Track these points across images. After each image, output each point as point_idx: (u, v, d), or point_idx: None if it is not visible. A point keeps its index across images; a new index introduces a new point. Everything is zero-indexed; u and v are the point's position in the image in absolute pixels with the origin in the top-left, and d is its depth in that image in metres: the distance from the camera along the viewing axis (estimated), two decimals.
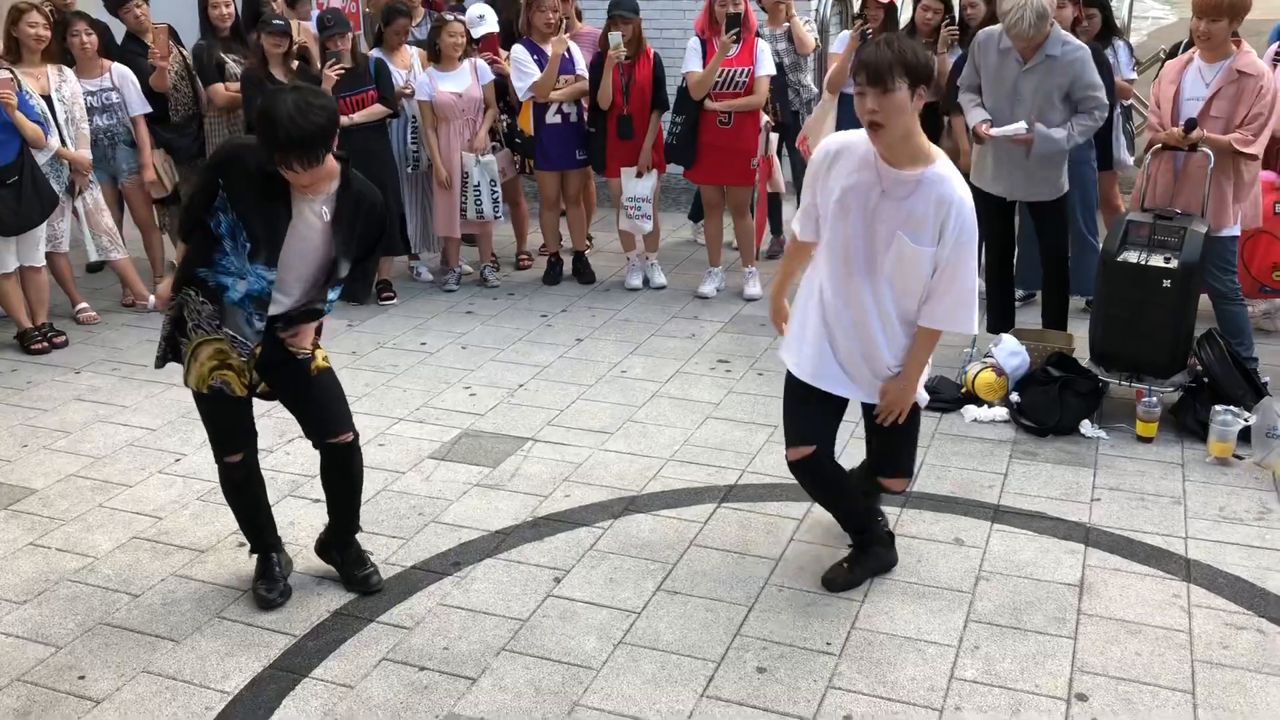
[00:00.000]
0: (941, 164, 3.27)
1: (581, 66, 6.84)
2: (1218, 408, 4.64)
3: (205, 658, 3.49)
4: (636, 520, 4.25)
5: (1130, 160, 6.60)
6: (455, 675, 3.38)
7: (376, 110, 6.57)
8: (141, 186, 6.76)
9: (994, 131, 5.14)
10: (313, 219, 3.38)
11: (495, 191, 6.88)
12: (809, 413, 3.59)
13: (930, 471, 4.56)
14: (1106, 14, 6.24)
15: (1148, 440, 4.80)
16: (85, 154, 6.31)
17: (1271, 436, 4.53)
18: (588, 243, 7.58)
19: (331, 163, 3.30)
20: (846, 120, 6.25)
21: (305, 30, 7.00)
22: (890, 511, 4.12)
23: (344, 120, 6.32)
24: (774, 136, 6.88)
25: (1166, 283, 4.76)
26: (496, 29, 7.25)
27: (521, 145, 7.18)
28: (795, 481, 3.77)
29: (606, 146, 6.83)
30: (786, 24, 7.22)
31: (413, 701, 3.27)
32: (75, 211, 6.41)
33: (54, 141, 6.10)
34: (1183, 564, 3.90)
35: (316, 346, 3.65)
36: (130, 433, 5.10)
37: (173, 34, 6.93)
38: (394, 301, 6.85)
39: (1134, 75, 6.52)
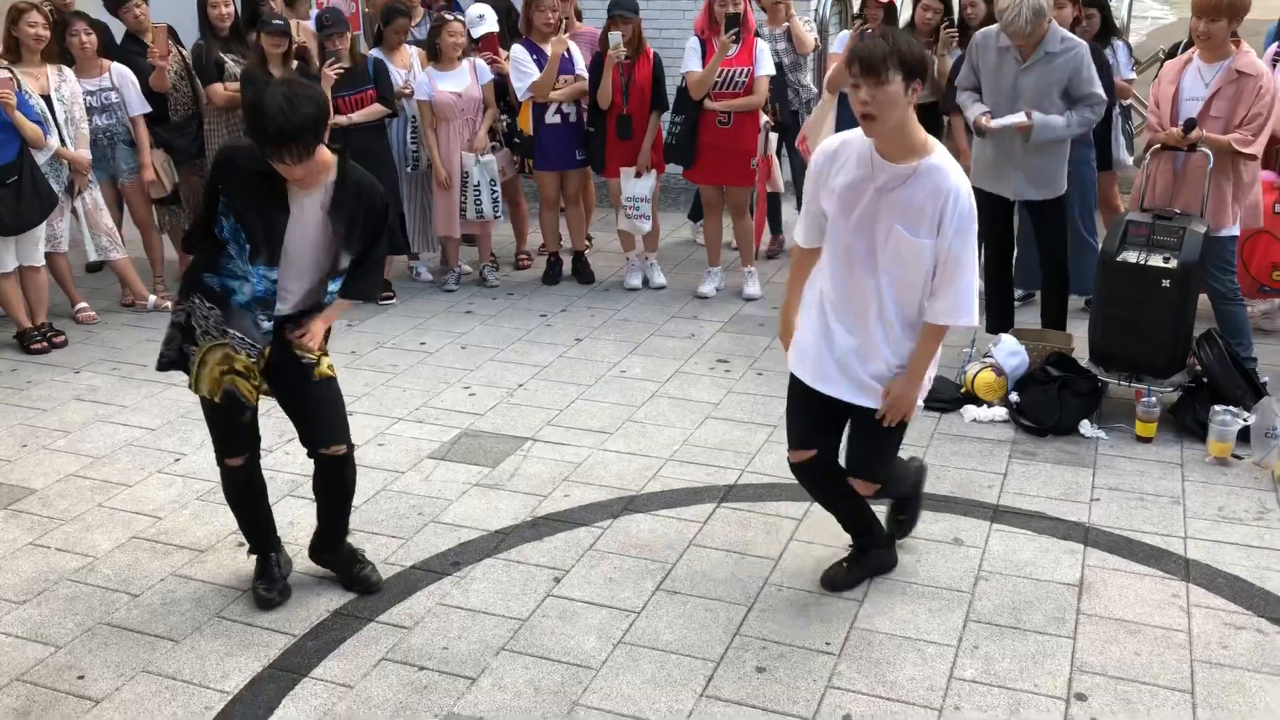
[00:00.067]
0: (938, 154, 3.26)
1: (581, 66, 6.84)
2: (1217, 408, 4.65)
3: (205, 657, 3.49)
4: (636, 520, 4.25)
5: (1129, 160, 6.60)
6: (455, 675, 3.38)
7: (375, 110, 6.57)
8: (141, 186, 6.75)
9: (994, 123, 5.15)
10: (311, 215, 3.38)
11: (495, 191, 6.88)
12: (811, 415, 3.58)
13: (930, 471, 4.54)
14: (1105, 14, 6.25)
15: (1147, 440, 4.80)
16: (85, 154, 6.31)
17: (1270, 436, 4.54)
18: (587, 243, 7.58)
19: (325, 154, 3.30)
20: (846, 120, 6.24)
21: (304, 30, 7.00)
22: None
23: (342, 120, 6.36)
24: (773, 136, 6.89)
25: (1166, 283, 4.77)
26: (496, 29, 7.25)
27: (521, 145, 7.18)
28: (795, 481, 3.77)
29: (606, 146, 6.83)
30: (786, 24, 7.23)
31: (412, 701, 3.27)
32: (75, 211, 6.41)
33: (53, 141, 6.10)
34: (1182, 564, 3.90)
35: (324, 353, 3.64)
36: (130, 432, 5.10)
37: (172, 34, 6.93)
38: (393, 301, 6.85)
39: (1133, 75, 6.52)
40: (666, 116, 6.73)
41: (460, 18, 6.97)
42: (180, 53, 6.88)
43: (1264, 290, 5.98)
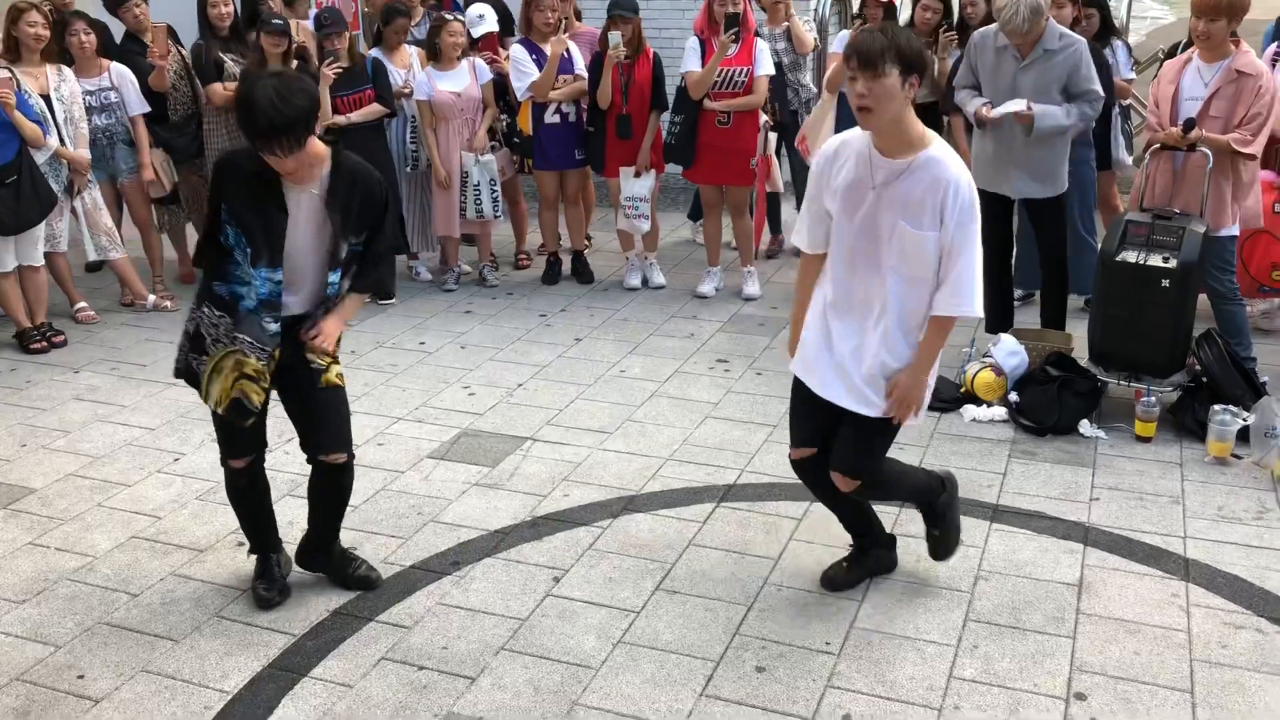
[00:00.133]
0: (936, 147, 3.26)
1: (580, 66, 6.84)
2: (1216, 407, 4.65)
3: (204, 657, 3.49)
4: (635, 520, 4.25)
5: (1129, 160, 6.60)
6: (454, 675, 3.38)
7: (374, 109, 6.57)
8: (140, 186, 6.75)
9: (994, 111, 5.15)
10: (310, 214, 3.38)
11: (494, 191, 6.88)
12: (813, 415, 3.57)
13: None
14: (1105, 14, 6.25)
15: (1146, 440, 4.80)
16: (84, 153, 6.31)
17: (1270, 436, 4.54)
18: (586, 242, 7.58)
19: (317, 146, 3.31)
20: (846, 120, 6.24)
21: (303, 29, 7.00)
22: (890, 511, 4.11)
23: (341, 120, 6.36)
24: (773, 136, 6.89)
25: (1165, 282, 4.77)
26: (496, 29, 7.25)
27: (520, 145, 7.18)
28: (795, 481, 3.77)
29: (605, 146, 6.83)
30: (785, 23, 7.23)
31: (412, 701, 3.27)
32: (74, 211, 6.41)
33: (53, 141, 6.10)
34: (1181, 563, 3.90)
35: (335, 360, 3.64)
36: (129, 432, 5.10)
37: (172, 33, 6.93)
38: (393, 301, 6.85)
39: (1132, 75, 6.53)
40: (666, 116, 6.73)
41: (460, 17, 6.97)
42: (180, 52, 6.89)
43: (1263, 290, 5.98)
